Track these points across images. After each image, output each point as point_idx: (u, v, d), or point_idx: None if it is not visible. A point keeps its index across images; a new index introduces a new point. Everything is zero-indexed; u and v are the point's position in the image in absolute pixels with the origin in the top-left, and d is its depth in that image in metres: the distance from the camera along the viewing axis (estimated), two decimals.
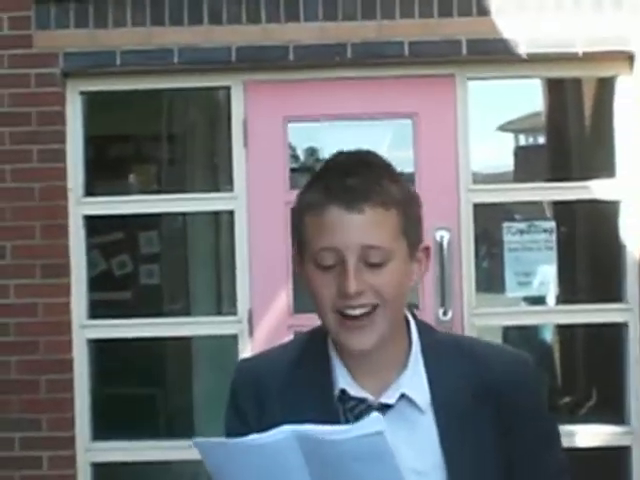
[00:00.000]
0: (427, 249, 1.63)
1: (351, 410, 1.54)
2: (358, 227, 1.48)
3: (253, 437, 1.33)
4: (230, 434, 1.57)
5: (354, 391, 1.54)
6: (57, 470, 4.95)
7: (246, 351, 5.05)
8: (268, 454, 1.33)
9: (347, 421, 1.53)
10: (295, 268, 1.73)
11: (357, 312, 1.48)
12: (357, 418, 1.50)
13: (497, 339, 7.36)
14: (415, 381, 1.55)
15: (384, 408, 1.52)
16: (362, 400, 1.54)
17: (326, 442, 1.30)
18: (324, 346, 1.62)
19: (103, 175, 6.47)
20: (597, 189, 5.28)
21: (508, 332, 7.61)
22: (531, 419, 1.58)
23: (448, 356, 1.59)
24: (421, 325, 1.64)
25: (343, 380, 1.56)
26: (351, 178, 1.50)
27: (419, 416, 1.55)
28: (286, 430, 1.30)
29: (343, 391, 1.55)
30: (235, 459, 1.37)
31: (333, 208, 1.49)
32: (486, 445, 1.54)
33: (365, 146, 1.68)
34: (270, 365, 1.66)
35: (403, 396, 1.54)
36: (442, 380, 1.55)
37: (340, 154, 1.62)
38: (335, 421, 1.48)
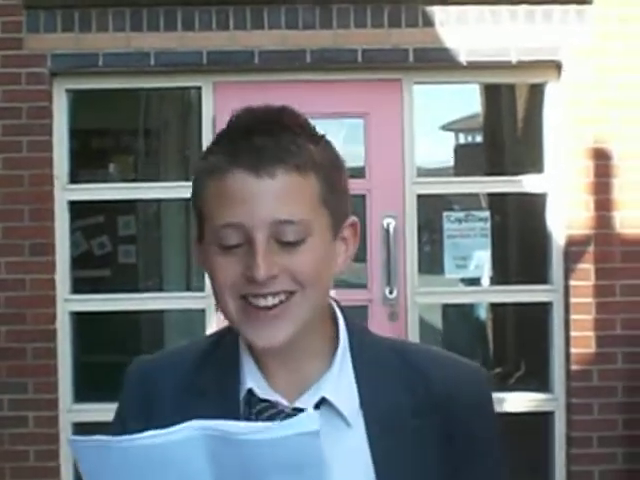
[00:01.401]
0: (354, 225, 1.34)
1: (258, 415, 1.25)
2: (268, 196, 1.20)
3: (146, 435, 1.07)
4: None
5: (263, 392, 1.26)
6: (42, 429, 5.28)
7: (212, 323, 5.38)
8: (162, 458, 1.08)
9: None
10: (197, 258, 1.37)
11: (269, 302, 1.21)
12: None
13: (437, 316, 7.98)
14: (341, 385, 1.26)
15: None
16: (272, 404, 1.25)
17: (241, 442, 1.05)
18: (235, 341, 1.33)
19: (86, 164, 6.77)
20: (527, 183, 5.74)
21: (447, 309, 8.06)
22: (483, 450, 1.29)
23: (383, 361, 1.31)
24: (351, 322, 1.34)
25: (251, 379, 1.27)
26: (260, 137, 1.22)
27: (345, 429, 1.25)
28: (190, 427, 1.05)
29: (250, 391, 1.26)
30: (118, 464, 1.09)
31: (237, 172, 1.20)
32: (427, 471, 1.25)
33: None
34: (168, 363, 1.39)
35: (324, 401, 1.24)
36: (375, 388, 1.27)
37: (248, 110, 1.30)
38: None
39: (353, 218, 1.32)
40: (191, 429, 1.03)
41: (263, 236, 1.18)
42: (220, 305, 1.25)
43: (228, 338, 1.32)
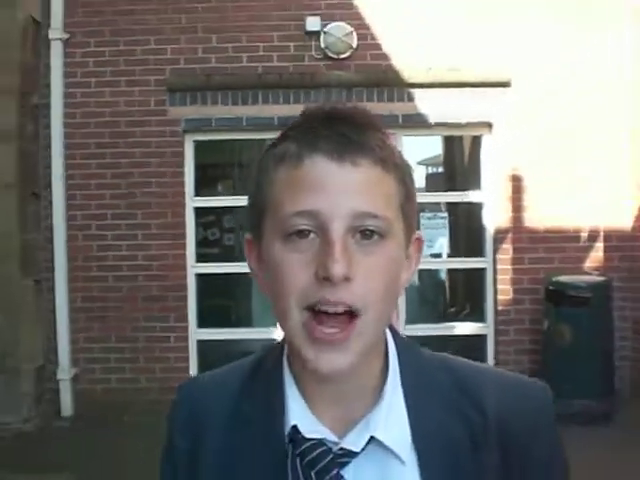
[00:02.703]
0: (419, 241, 1.11)
1: (303, 455, 1.04)
2: (350, 186, 0.98)
3: None
4: (164, 465, 1.19)
5: (309, 428, 1.05)
6: (178, 343, 7.17)
7: None
8: None
9: (295, 470, 1.04)
10: (249, 260, 1.11)
11: (339, 309, 0.97)
12: (310, 467, 1.03)
13: (415, 277, 8.76)
14: (391, 420, 1.04)
15: (347, 455, 1.03)
16: (319, 442, 1.04)
17: None
18: (278, 370, 1.11)
19: (204, 185, 7.86)
20: (471, 196, 7.51)
21: (421, 273, 9.35)
22: (547, 474, 1.07)
23: (435, 385, 1.08)
24: (400, 341, 1.11)
25: (296, 412, 1.06)
26: (343, 125, 1.00)
27: (398, 466, 1.03)
28: None
29: (295, 428, 1.05)
30: None
31: (317, 158, 0.99)
32: None
33: None
34: (215, 387, 1.18)
35: (372, 439, 1.03)
36: (429, 419, 1.04)
37: (324, 104, 1.07)
38: (281, 474, 1.03)
39: (419, 233, 1.10)
40: None
41: (342, 227, 0.95)
42: (281, 319, 1.01)
43: (268, 364, 1.13)
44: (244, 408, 1.13)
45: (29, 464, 5.75)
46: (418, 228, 1.12)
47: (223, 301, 8.28)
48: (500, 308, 7.25)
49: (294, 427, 1.06)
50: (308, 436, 1.05)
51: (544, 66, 7.07)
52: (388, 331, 1.12)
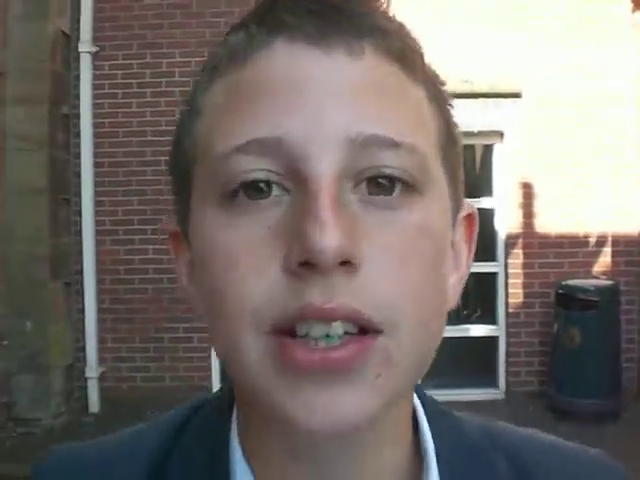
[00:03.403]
0: (471, 217, 0.73)
1: None
2: (347, 87, 0.56)
3: None
4: None
5: None
6: (200, 344, 7.25)
7: None
8: None
9: None
10: (180, 274, 0.67)
11: (337, 330, 0.53)
12: None
13: None
14: None
15: None
16: None
17: None
18: (221, 439, 0.66)
19: None
20: (483, 202, 7.35)
21: None
22: None
23: (490, 471, 0.68)
24: (429, 403, 0.71)
25: None
26: None
27: None
28: None
29: None
30: None
31: (281, 43, 0.57)
32: None
33: None
34: (110, 460, 0.72)
35: None
36: None
37: None
38: None
39: (471, 205, 0.71)
40: None
41: (334, 166, 0.53)
42: (226, 354, 0.58)
43: (205, 428, 0.68)
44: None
45: None
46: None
47: None
48: (511, 311, 7.37)
49: None
50: None
51: (554, 77, 7.23)
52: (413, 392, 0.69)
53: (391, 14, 0.63)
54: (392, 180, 0.57)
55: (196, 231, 0.60)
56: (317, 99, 0.54)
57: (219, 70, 0.60)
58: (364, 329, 0.55)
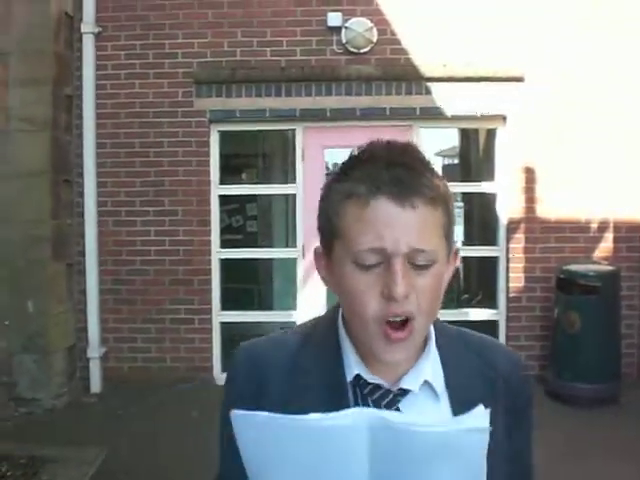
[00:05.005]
0: (457, 253, 1.36)
1: (367, 396, 1.29)
2: (410, 225, 1.18)
3: (312, 416, 1.01)
4: (227, 443, 1.25)
5: (369, 377, 1.29)
6: (202, 325, 7.40)
7: (300, 267, 7.22)
8: (324, 440, 1.00)
9: (358, 404, 1.29)
10: (320, 269, 1.35)
11: (400, 319, 1.20)
12: (375, 404, 1.28)
13: None
14: (434, 368, 1.33)
15: (402, 394, 1.30)
16: (378, 386, 1.29)
17: (409, 433, 0.97)
18: (334, 332, 1.35)
19: (228, 174, 8.04)
20: (485, 187, 7.69)
21: None
22: (529, 413, 1.43)
23: (459, 349, 1.38)
24: (437, 322, 1.38)
25: (357, 366, 1.30)
26: (400, 169, 1.19)
27: (433, 403, 1.32)
28: (358, 413, 1.01)
29: (358, 376, 1.29)
30: (276, 441, 1.03)
31: (382, 200, 1.18)
32: (498, 436, 1.26)
33: None
34: (273, 348, 1.38)
35: (425, 382, 1.31)
36: (456, 369, 1.34)
37: (379, 144, 1.26)
38: (345, 407, 1.10)
39: (456, 247, 1.33)
40: (359, 416, 0.99)
41: (402, 259, 1.17)
42: (355, 325, 1.25)
43: (323, 327, 1.38)
44: (301, 363, 1.33)
45: (60, 438, 6.02)
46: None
47: (245, 285, 8.54)
48: (512, 295, 7.40)
49: (357, 375, 1.30)
50: (370, 381, 1.30)
51: (556, 62, 7.23)
52: None
53: (431, 179, 1.24)
54: (423, 265, 1.21)
55: (341, 267, 1.24)
56: (398, 230, 1.17)
57: (351, 200, 1.22)
58: (410, 317, 1.21)
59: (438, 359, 1.36)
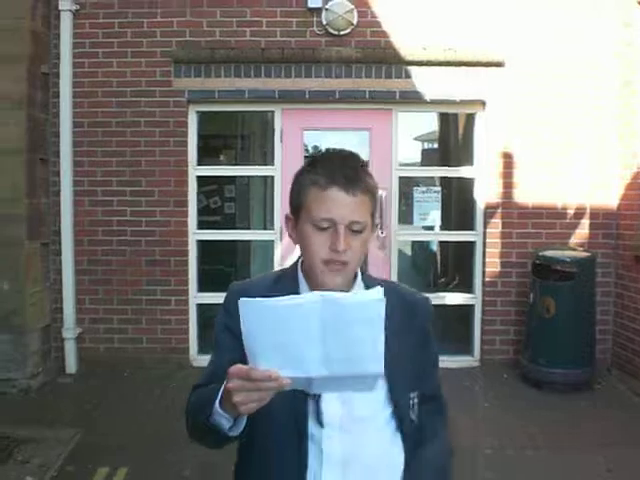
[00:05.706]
0: (376, 226, 1.82)
1: None
2: (351, 206, 1.76)
3: (288, 298, 1.46)
4: (221, 346, 1.88)
5: None
6: (178, 306, 7.36)
7: (278, 249, 7.17)
8: (295, 316, 1.43)
9: None
10: (287, 228, 1.94)
11: (341, 262, 1.78)
12: None
13: (408, 248, 9.61)
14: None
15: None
16: None
17: (341, 305, 1.43)
18: (295, 273, 1.94)
19: (206, 154, 7.99)
20: (463, 171, 7.67)
21: (414, 244, 9.61)
22: (431, 337, 2.03)
23: (378, 283, 1.81)
24: (363, 272, 1.96)
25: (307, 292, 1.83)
26: (348, 169, 1.78)
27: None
28: (315, 294, 1.47)
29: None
30: (267, 319, 1.43)
31: (334, 189, 1.76)
32: (412, 350, 1.93)
33: (344, 146, 1.94)
34: (256, 284, 1.98)
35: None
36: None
37: (333, 150, 1.90)
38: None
39: (378, 220, 1.95)
40: (316, 296, 1.45)
41: (344, 226, 1.75)
42: (309, 263, 1.84)
43: (289, 270, 1.97)
44: (274, 291, 1.71)
45: (35, 418, 5.97)
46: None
47: (223, 267, 8.51)
48: (488, 280, 7.42)
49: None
50: None
51: (537, 47, 7.22)
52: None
53: (367, 176, 1.84)
54: (357, 230, 1.79)
55: (303, 228, 1.82)
56: (343, 208, 1.76)
57: (315, 185, 1.79)
58: (345, 263, 1.80)
59: (363, 287, 1.93)
